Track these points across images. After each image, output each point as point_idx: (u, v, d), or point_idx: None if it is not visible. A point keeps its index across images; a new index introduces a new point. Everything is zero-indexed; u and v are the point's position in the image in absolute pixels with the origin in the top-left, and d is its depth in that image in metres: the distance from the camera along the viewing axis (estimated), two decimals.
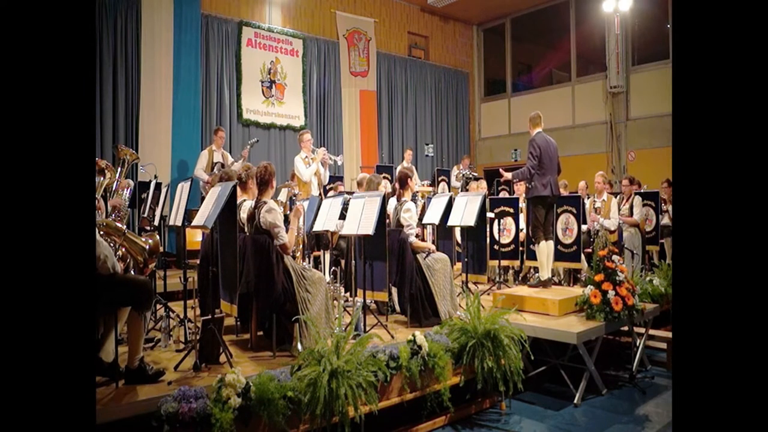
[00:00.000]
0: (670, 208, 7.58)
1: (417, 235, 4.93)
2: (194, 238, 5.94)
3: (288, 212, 4.71)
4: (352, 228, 4.18)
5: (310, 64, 10.09)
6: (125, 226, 3.69)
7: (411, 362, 3.51)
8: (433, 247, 4.91)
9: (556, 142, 5.47)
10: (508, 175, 5.60)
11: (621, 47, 10.58)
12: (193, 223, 3.73)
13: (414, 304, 4.59)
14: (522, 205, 6.57)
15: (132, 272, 3.57)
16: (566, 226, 6.00)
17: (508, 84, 13.07)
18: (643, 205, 7.08)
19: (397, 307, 4.94)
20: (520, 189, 7.04)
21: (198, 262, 4.51)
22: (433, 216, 5.55)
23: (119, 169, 4.54)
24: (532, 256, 6.11)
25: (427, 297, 4.57)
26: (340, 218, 4.84)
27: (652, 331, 5.30)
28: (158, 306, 4.50)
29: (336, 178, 8.45)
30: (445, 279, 4.62)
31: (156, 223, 4.91)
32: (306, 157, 6.99)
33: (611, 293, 4.49)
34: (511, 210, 6.48)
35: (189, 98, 8.17)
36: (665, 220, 7.45)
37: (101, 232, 3.22)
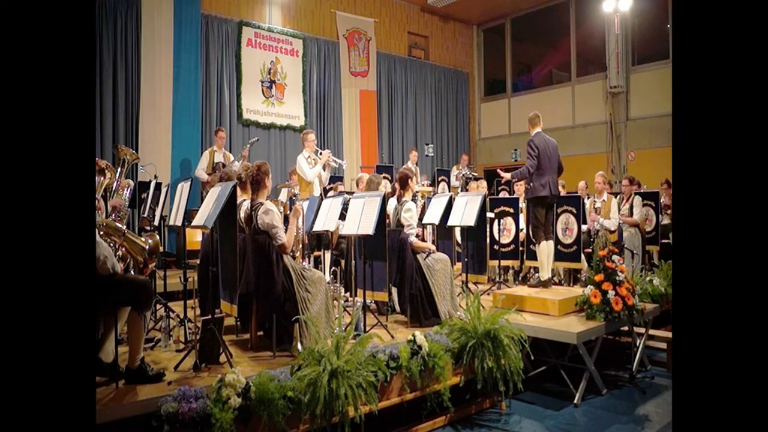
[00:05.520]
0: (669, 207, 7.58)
1: (417, 235, 4.93)
2: (194, 238, 5.93)
3: (288, 212, 4.71)
4: (352, 228, 4.18)
5: (310, 64, 10.09)
6: (125, 226, 3.68)
7: (411, 362, 3.51)
8: (433, 247, 4.90)
9: (556, 142, 5.47)
10: (507, 176, 5.59)
11: (621, 47, 10.58)
12: (193, 223, 3.73)
13: (414, 304, 4.59)
14: (522, 205, 6.56)
15: (132, 272, 3.57)
16: (566, 226, 6.00)
17: (508, 84, 13.07)
18: (643, 205, 7.08)
19: (397, 307, 4.93)
20: (520, 189, 7.04)
21: (198, 262, 4.51)
22: (433, 216, 5.54)
23: (119, 169, 4.54)
24: (532, 256, 6.11)
25: (427, 297, 4.57)
26: (340, 218, 4.84)
27: (652, 331, 5.30)
28: (158, 306, 4.50)
29: (336, 178, 8.45)
30: (445, 279, 4.62)
31: (156, 223, 4.91)
32: (309, 157, 6.99)
33: (611, 293, 4.49)
34: (511, 210, 6.47)
35: (189, 98, 8.17)
36: (665, 220, 7.45)
37: (101, 233, 3.22)
